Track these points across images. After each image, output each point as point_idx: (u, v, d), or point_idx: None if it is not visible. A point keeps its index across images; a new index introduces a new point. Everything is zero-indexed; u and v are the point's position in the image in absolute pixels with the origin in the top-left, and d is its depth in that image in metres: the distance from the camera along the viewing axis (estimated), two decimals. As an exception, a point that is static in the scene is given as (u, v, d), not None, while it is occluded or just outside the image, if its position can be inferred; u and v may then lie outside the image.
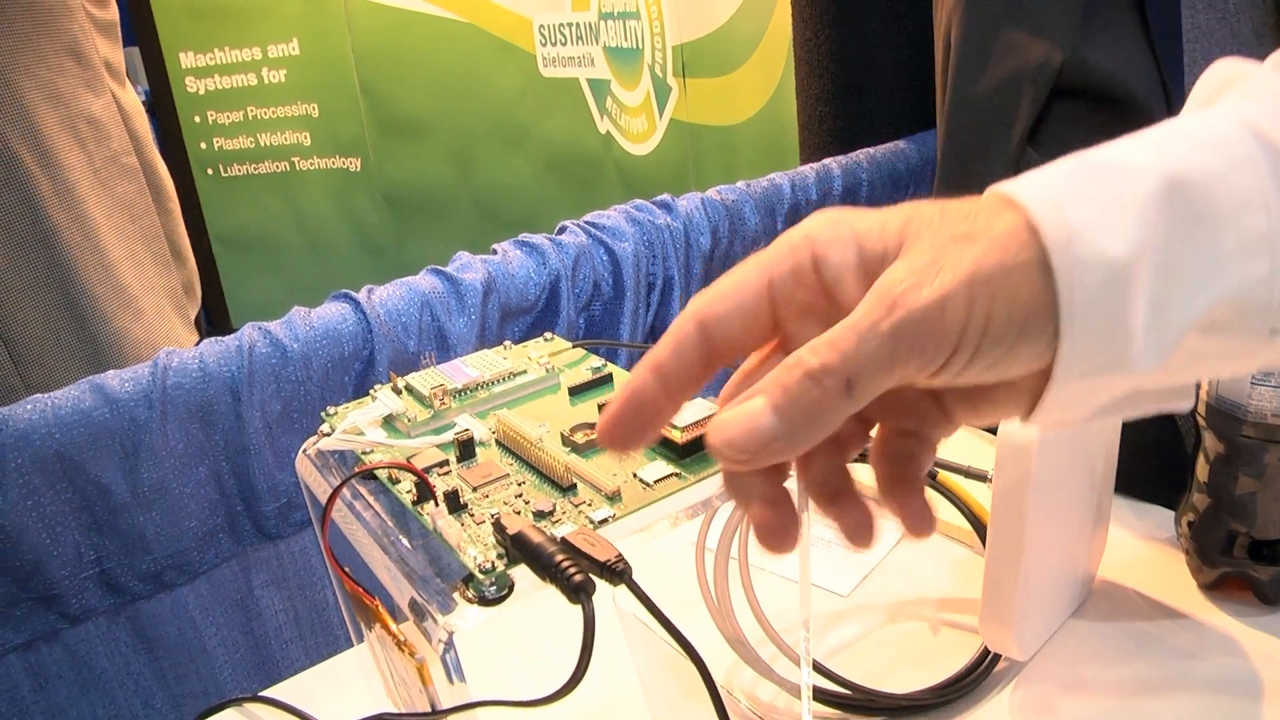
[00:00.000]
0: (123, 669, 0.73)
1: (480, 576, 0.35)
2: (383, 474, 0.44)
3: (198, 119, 2.41)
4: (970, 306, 0.26)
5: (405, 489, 0.42)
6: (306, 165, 2.42)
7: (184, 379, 0.67)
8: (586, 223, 0.87)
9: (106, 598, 0.71)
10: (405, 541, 0.40)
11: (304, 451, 0.49)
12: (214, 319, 2.53)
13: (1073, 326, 0.26)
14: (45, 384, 0.66)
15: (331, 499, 0.40)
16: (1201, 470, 0.62)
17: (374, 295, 0.75)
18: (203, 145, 2.43)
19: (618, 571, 0.34)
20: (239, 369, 0.69)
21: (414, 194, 2.32)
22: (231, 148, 2.43)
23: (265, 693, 0.63)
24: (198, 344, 0.71)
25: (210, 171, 2.45)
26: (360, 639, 0.53)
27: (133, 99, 1.04)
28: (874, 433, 0.33)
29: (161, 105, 2.38)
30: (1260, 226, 0.26)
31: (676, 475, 0.41)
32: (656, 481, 0.41)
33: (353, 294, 0.74)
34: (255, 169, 2.45)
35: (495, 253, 0.82)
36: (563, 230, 0.86)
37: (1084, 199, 0.26)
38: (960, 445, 0.83)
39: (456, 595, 0.36)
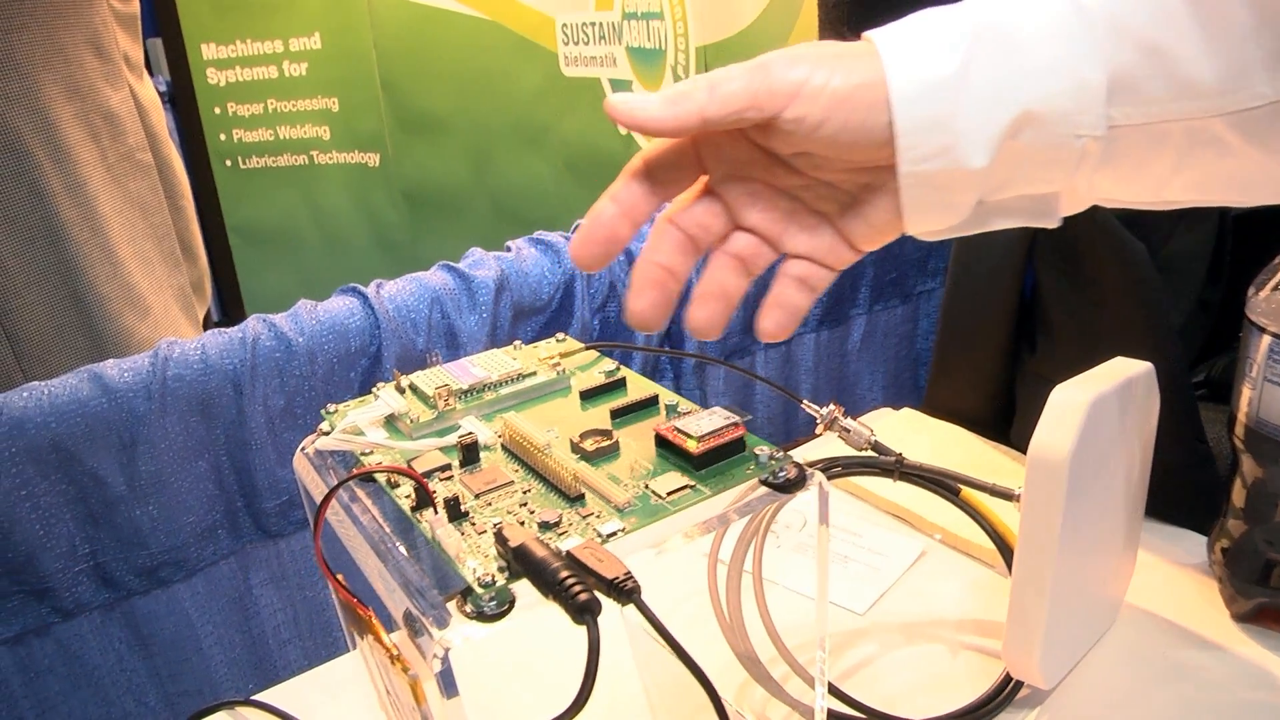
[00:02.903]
0: (115, 665, 0.71)
1: (479, 590, 0.33)
2: (382, 477, 0.42)
3: (218, 111, 2.40)
4: (816, 67, 0.34)
5: (404, 494, 0.40)
6: (325, 159, 2.41)
7: (185, 370, 0.66)
8: (604, 222, 0.84)
9: (100, 592, 0.69)
10: (402, 550, 0.38)
11: (302, 450, 0.47)
12: (229, 311, 2.52)
13: (904, 121, 0.34)
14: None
15: (325, 502, 0.38)
16: (1238, 495, 0.60)
17: (383, 290, 0.73)
18: (222, 137, 2.43)
19: (625, 590, 0.31)
20: (241, 361, 0.67)
21: (432, 191, 2.31)
22: (251, 140, 2.42)
23: (259, 696, 0.61)
24: (202, 337, 0.69)
25: (229, 163, 2.44)
26: (355, 645, 0.50)
27: (150, 93, 1.02)
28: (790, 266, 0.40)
29: (182, 96, 2.37)
30: (1059, 52, 0.34)
31: (691, 488, 0.39)
32: (670, 494, 0.38)
33: (361, 288, 0.72)
34: (274, 162, 2.44)
35: (509, 250, 0.80)
36: (579, 229, 0.84)
37: (915, 38, 0.35)
38: (988, 465, 0.81)
39: (454, 609, 0.33)
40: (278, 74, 2.35)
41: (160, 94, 2.33)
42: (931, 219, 0.37)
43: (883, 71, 0.34)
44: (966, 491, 0.62)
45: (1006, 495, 0.60)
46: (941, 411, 0.88)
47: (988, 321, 0.82)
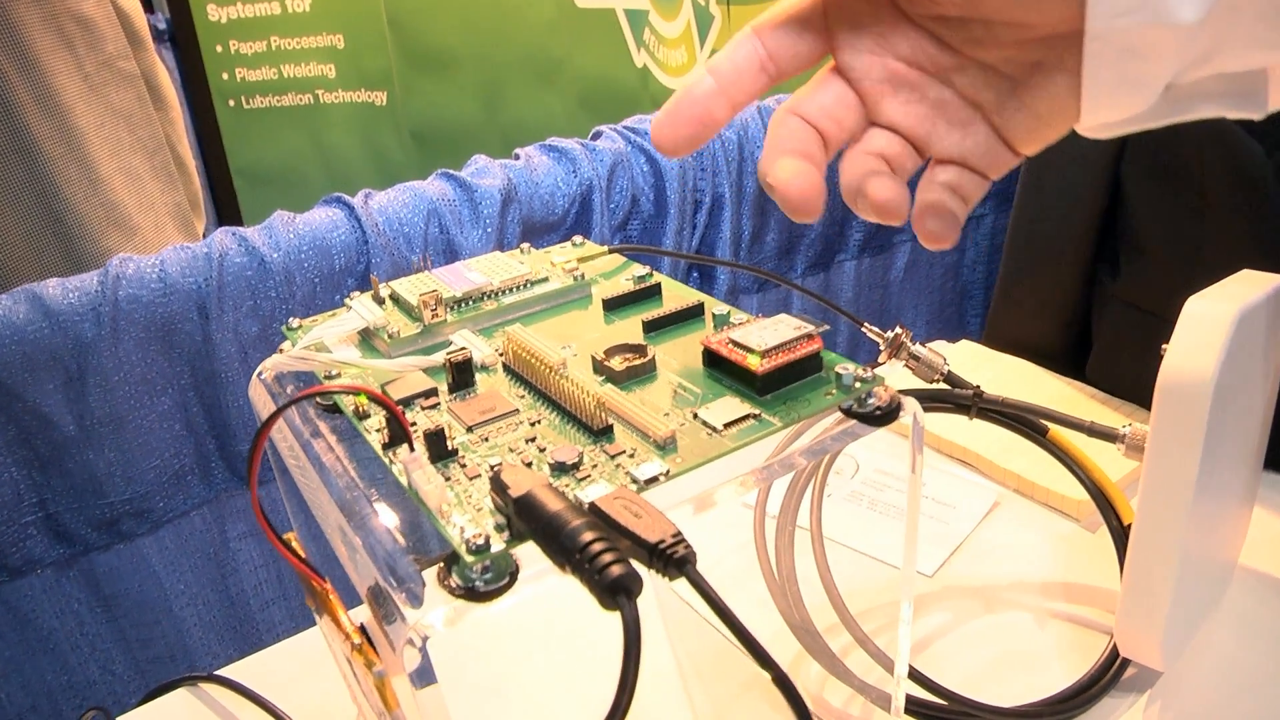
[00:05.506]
0: (75, 629, 0.63)
1: (468, 558, 0.24)
2: (348, 405, 0.32)
3: (220, 49, 2.32)
4: None
5: (375, 426, 0.31)
6: (331, 98, 2.34)
7: (140, 291, 0.56)
8: (625, 128, 0.74)
9: (54, 547, 0.60)
10: (370, 503, 0.28)
11: (258, 375, 0.38)
12: (232, 254, 2.44)
13: None
14: None
15: (264, 429, 0.28)
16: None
17: (372, 201, 0.63)
18: (224, 76, 2.35)
19: (675, 560, 0.22)
20: (207, 281, 0.58)
21: (441, 130, 2.23)
22: (254, 79, 2.34)
23: (228, 670, 0.52)
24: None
25: (232, 103, 2.36)
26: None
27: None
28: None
29: (182, 34, 2.28)
30: None
31: (754, 417, 0.29)
32: (726, 426, 0.29)
33: (346, 198, 0.63)
34: (278, 101, 2.36)
35: (518, 158, 0.70)
36: (598, 135, 0.74)
37: None
38: (1061, 403, 0.71)
39: (434, 582, 0.24)
40: (281, 9, 2.26)
41: (160, 32, 2.25)
42: (1115, 103, 0.29)
43: None
44: (1055, 431, 0.53)
45: (1109, 435, 0.51)
46: (1005, 343, 0.78)
47: (1064, 239, 0.72)
